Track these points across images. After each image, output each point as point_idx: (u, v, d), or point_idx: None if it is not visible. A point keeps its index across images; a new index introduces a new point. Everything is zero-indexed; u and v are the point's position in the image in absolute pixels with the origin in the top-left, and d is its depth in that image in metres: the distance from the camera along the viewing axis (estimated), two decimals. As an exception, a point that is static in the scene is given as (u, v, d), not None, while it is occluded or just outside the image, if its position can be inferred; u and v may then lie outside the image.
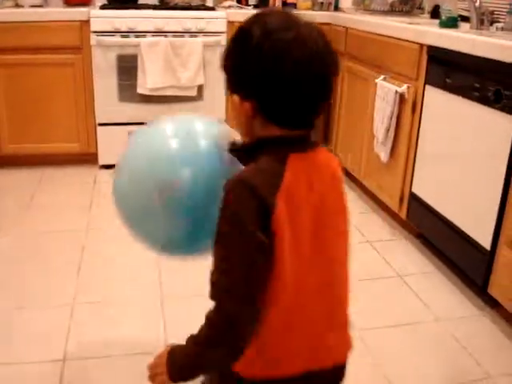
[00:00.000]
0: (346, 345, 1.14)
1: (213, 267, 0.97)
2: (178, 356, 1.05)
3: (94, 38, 3.44)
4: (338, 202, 1.08)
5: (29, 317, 2.13)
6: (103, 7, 3.62)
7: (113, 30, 3.45)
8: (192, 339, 1.02)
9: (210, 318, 0.98)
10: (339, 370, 1.14)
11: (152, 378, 1.11)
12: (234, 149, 1.09)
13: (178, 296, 2.29)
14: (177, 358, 1.05)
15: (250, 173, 0.98)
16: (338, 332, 1.12)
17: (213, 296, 0.97)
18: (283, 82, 0.95)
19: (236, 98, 1.01)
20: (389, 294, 2.37)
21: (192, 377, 1.05)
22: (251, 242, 0.93)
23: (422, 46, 2.58)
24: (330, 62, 0.99)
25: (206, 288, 0.99)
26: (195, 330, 1.03)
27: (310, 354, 1.06)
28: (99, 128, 3.65)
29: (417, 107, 2.63)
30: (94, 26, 3.44)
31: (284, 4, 3.99)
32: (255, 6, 3.99)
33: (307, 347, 1.05)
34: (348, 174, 3.63)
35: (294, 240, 0.97)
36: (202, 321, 1.01)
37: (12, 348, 1.94)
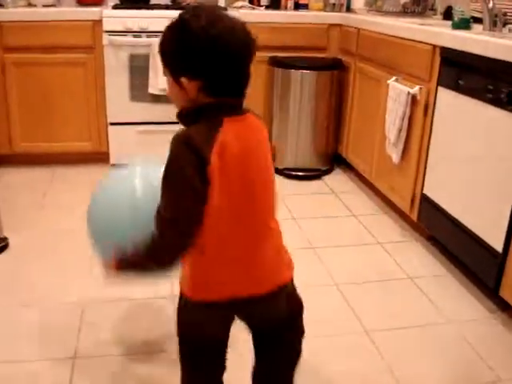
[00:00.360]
0: (277, 275, 1.33)
1: (160, 206, 1.19)
2: (128, 252, 1.28)
3: (106, 38, 3.46)
4: (265, 159, 1.27)
5: (40, 315, 2.14)
6: (115, 7, 3.63)
7: (125, 29, 3.46)
8: (138, 246, 1.24)
9: (154, 239, 1.20)
10: (271, 296, 1.31)
11: (108, 267, 1.35)
12: (179, 114, 1.25)
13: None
14: (125, 254, 1.29)
15: (189, 132, 1.18)
16: (267, 265, 1.30)
17: (157, 226, 1.19)
18: (219, 62, 1.16)
19: (184, 80, 1.19)
20: (399, 296, 2.36)
21: (128, 270, 1.31)
22: (190, 189, 1.15)
23: (434, 47, 2.57)
24: (250, 45, 1.21)
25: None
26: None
27: (236, 283, 1.26)
28: (110, 127, 3.67)
29: (429, 109, 2.62)
30: (107, 25, 3.45)
31: (296, 5, 3.98)
32: (267, 7, 3.99)
33: (234, 277, 1.26)
34: (359, 175, 3.63)
35: (225, 189, 1.17)
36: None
37: (23, 346, 1.95)
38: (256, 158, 1.24)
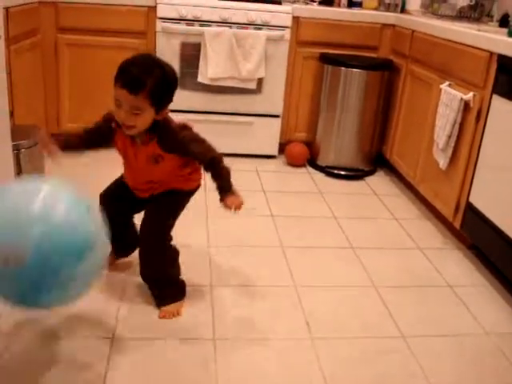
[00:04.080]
0: None
1: (204, 152, 1.92)
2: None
3: (159, 25, 3.49)
4: None
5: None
6: (170, -6, 3.65)
7: (178, 17, 3.48)
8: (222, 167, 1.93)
9: (217, 159, 1.92)
10: None
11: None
12: (148, 131, 1.87)
13: (227, 284, 2.31)
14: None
15: (175, 127, 1.93)
16: None
17: (212, 155, 1.92)
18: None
19: (167, 109, 1.87)
20: (438, 303, 2.34)
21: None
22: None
23: (491, 54, 2.53)
24: None
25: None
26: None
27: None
28: (157, 113, 3.69)
29: (481, 116, 2.58)
30: (161, 12, 3.48)
31: (350, 3, 3.95)
32: (320, 3, 3.96)
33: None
34: (401, 178, 3.59)
35: None
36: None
37: (64, 322, 1.99)
38: None
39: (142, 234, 2.05)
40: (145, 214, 2.07)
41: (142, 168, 1.96)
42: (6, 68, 2.20)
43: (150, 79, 1.74)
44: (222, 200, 1.88)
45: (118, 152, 2.02)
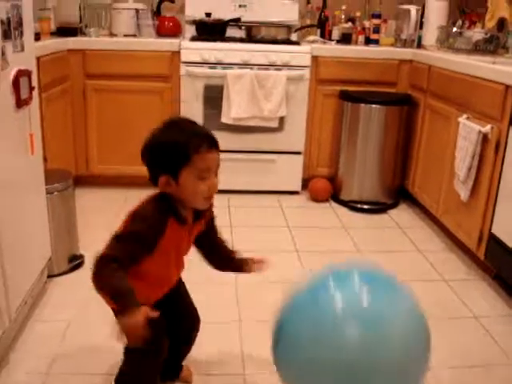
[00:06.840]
0: None
1: None
2: None
3: (183, 68, 3.61)
4: None
5: (85, 331, 2.22)
6: (193, 39, 3.79)
7: (201, 61, 3.60)
8: None
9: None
10: None
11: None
12: None
13: (254, 319, 2.34)
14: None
15: None
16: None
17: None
18: None
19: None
20: (464, 334, 2.35)
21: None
22: None
23: (507, 87, 2.58)
24: None
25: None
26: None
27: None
28: (183, 153, 3.78)
29: (500, 148, 2.62)
30: (184, 56, 3.60)
31: (367, 40, 4.05)
32: (338, 42, 4.06)
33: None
34: (424, 210, 3.62)
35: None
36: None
37: (74, 360, 2.05)
38: None
39: (194, 313, 1.86)
40: (182, 296, 1.85)
41: (186, 250, 1.70)
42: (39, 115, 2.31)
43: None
44: (249, 269, 1.76)
45: (161, 253, 1.57)
